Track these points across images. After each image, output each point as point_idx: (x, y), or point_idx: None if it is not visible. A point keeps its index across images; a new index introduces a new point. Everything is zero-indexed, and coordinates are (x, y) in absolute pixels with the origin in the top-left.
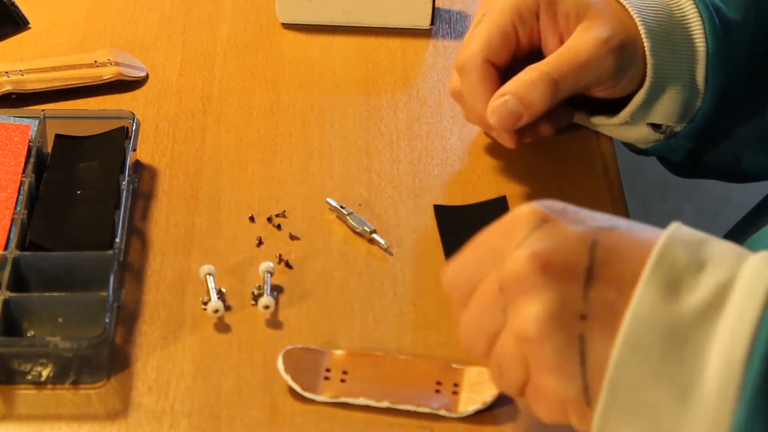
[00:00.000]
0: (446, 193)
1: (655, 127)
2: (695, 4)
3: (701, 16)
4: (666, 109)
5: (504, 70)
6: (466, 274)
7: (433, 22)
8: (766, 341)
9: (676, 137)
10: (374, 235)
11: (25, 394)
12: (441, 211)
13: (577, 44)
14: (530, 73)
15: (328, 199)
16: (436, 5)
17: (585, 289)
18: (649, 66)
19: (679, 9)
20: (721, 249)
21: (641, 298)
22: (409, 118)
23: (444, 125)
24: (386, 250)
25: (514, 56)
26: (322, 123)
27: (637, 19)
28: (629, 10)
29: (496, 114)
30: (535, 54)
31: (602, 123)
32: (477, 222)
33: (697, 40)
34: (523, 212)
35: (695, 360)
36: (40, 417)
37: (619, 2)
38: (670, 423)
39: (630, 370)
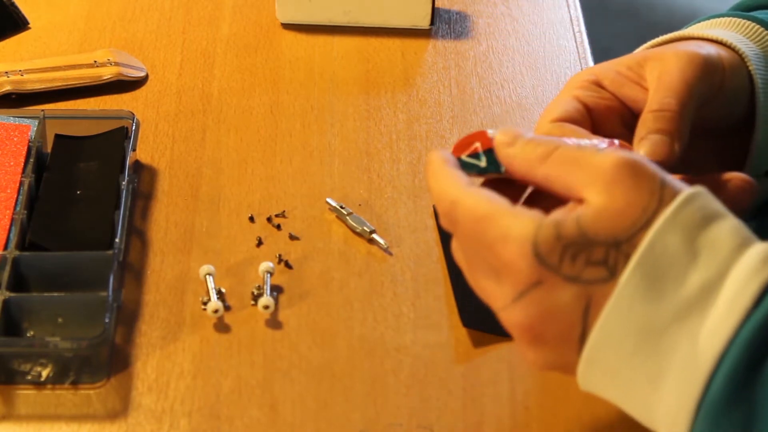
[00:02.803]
0: None
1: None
2: None
3: None
4: None
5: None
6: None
7: (433, 22)
8: (732, 361)
9: None
10: (374, 235)
11: (25, 394)
12: None
13: (663, 69)
14: (646, 114)
15: (328, 199)
16: (436, 5)
17: (579, 350)
18: (756, 87)
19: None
20: (722, 235)
21: (621, 292)
22: (409, 118)
23: (444, 125)
24: (386, 250)
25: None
26: (322, 123)
27: (742, 50)
28: (727, 41)
29: (645, 147)
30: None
31: None
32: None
33: None
34: (518, 264)
35: (667, 354)
36: (40, 417)
37: (715, 42)
38: (641, 400)
39: (604, 353)
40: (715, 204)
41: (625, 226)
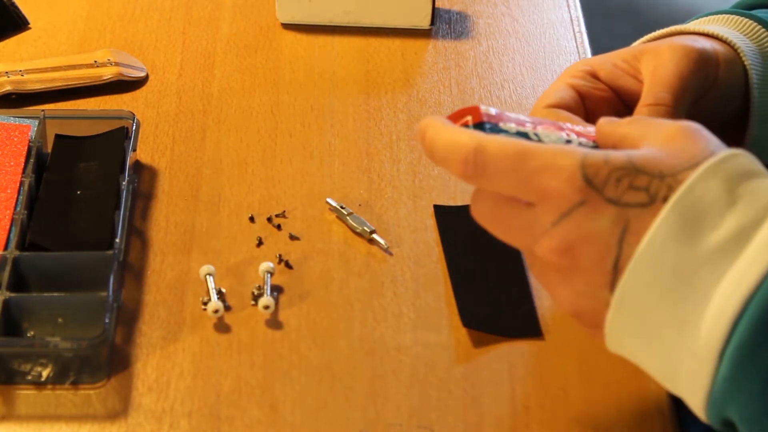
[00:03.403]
0: (446, 193)
1: None
2: None
3: None
4: None
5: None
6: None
7: (433, 22)
8: (758, 304)
9: None
10: (374, 235)
11: (25, 394)
12: (441, 211)
13: (658, 63)
14: (641, 107)
15: (328, 200)
16: (436, 5)
17: (610, 284)
18: (751, 83)
19: (759, 39)
20: (763, 187)
21: (657, 230)
22: (409, 118)
23: None
24: (386, 250)
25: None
26: (322, 123)
27: (737, 45)
28: (723, 36)
29: None
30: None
31: None
32: (477, 222)
33: None
34: (563, 187)
35: (699, 298)
36: (40, 417)
37: (711, 36)
38: (669, 347)
39: (634, 295)
40: (759, 165)
41: (672, 164)
